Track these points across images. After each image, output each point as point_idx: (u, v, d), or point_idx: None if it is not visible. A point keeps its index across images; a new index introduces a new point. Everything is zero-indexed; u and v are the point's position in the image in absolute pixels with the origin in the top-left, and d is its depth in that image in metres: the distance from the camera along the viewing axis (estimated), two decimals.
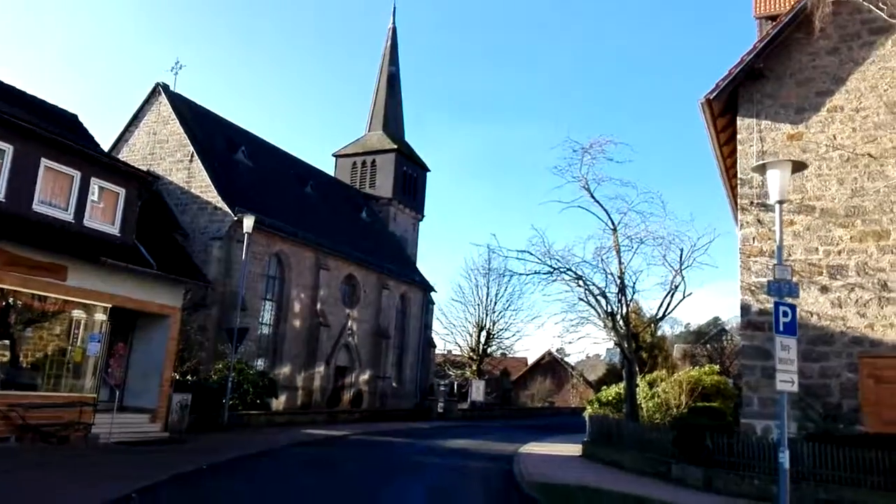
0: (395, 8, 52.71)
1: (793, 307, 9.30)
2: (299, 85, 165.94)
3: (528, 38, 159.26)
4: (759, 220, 15.50)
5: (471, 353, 47.58)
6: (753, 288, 15.26)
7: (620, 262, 17.98)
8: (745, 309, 15.29)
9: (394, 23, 52.66)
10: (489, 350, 48.09)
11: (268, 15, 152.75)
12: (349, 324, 35.73)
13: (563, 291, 19.04)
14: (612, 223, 18.05)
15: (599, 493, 11.57)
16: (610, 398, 19.69)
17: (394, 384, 39.74)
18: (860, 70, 15.24)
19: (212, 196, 29.17)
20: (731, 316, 70.29)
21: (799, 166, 9.81)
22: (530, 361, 62.21)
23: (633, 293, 18.41)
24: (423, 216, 50.14)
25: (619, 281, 17.90)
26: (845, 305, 14.44)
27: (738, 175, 15.89)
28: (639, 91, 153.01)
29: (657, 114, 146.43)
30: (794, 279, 14.92)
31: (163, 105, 31.31)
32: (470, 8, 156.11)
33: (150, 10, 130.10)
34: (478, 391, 38.94)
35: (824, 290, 14.64)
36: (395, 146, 47.17)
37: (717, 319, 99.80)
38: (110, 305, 16.08)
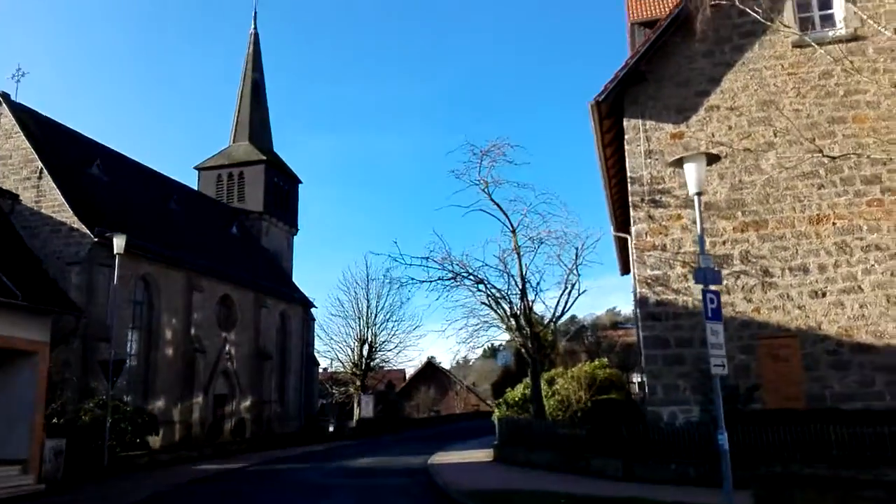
0: (255, 13, 50.60)
1: (717, 294, 9.69)
2: (155, 93, 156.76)
3: (404, 44, 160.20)
4: (650, 216, 16.22)
5: (353, 369, 46.60)
6: (649, 281, 15.93)
7: (521, 264, 18.21)
8: (643, 301, 15.94)
9: (255, 28, 50.61)
10: (372, 364, 47.36)
11: (117, 19, 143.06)
12: (227, 348, 33.75)
13: (465, 296, 18.95)
14: (511, 225, 18.27)
15: (535, 496, 11.49)
16: (516, 399, 19.86)
17: (277, 409, 38.01)
18: (732, 71, 16.40)
19: (66, 216, 26.46)
20: (598, 310, 74.22)
21: (713, 158, 10.25)
22: (409, 372, 62.11)
23: (537, 293, 18.72)
24: (297, 230, 48.55)
25: (520, 283, 18.10)
26: (733, 292, 15.40)
27: (629, 174, 16.52)
28: (519, 97, 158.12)
29: (537, 118, 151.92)
30: (685, 270, 15.89)
31: (4, 117, 28.04)
32: (333, 14, 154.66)
33: None
34: (367, 407, 38.13)
35: None
36: (265, 157, 45.30)
37: (573, 318, 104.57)
38: None
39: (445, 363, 65.71)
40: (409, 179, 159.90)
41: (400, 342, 47.45)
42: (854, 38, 15.79)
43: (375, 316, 46.87)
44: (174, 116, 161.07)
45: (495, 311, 18.66)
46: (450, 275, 18.16)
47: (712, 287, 9.49)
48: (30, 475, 15.39)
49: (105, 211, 28.32)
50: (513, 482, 13.40)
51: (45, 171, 27.10)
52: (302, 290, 44.57)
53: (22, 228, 26.10)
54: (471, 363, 57.10)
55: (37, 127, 29.14)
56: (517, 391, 20.34)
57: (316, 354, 44.78)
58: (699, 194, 9.92)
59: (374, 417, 38.93)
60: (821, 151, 13.33)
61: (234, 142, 47.58)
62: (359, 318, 46.77)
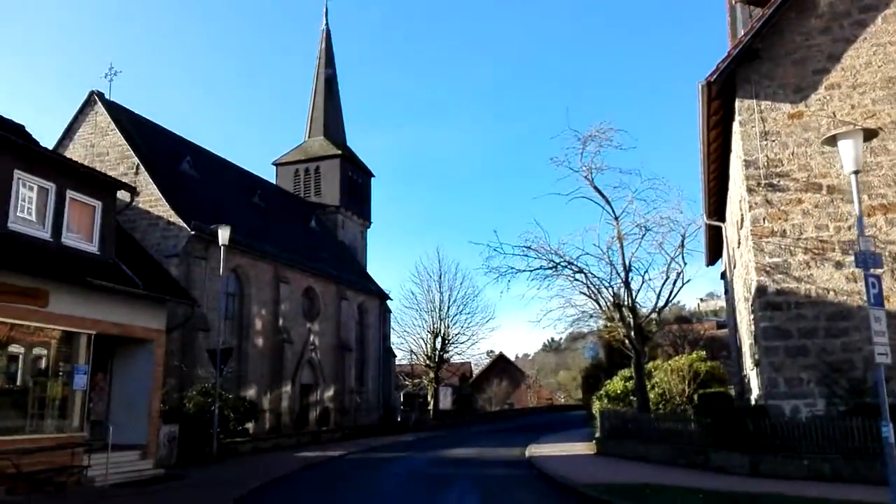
0: (326, 9, 51.37)
1: (879, 278, 9.14)
2: (231, 91, 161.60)
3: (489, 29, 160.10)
4: (767, 201, 15.54)
5: (427, 361, 46.78)
6: (768, 269, 15.28)
7: (623, 253, 17.76)
8: (761, 290, 15.28)
9: (327, 24, 51.30)
10: (446, 356, 47.45)
11: (195, 20, 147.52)
12: (311, 338, 34.30)
13: (563, 287, 18.60)
14: (614, 212, 17.83)
15: (669, 491, 11.11)
16: (618, 392, 19.44)
17: (357, 399, 38.47)
18: (854, 48, 15.55)
19: (163, 210, 27.28)
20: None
21: (871, 134, 9.66)
22: (475, 365, 61.99)
23: (644, 282, 18.25)
24: (370, 223, 49.01)
25: (624, 272, 17.66)
26: (860, 280, 14.60)
27: (743, 157, 15.86)
28: (608, 84, 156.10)
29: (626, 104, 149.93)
30: (807, 257, 15.17)
31: (100, 115, 29.11)
32: (403, 11, 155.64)
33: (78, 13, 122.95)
34: (445, 399, 38.20)
35: (838, 265, 14.81)
36: (339, 152, 45.88)
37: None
38: (94, 332, 14.49)
39: (514, 356, 65.69)
40: (482, 170, 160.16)
41: (473, 334, 47.52)
42: None
43: (448, 308, 47.08)
44: (251, 113, 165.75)
45: (596, 302, 18.28)
46: (550, 264, 17.86)
47: (874, 271, 8.92)
48: (148, 460, 15.90)
49: (198, 205, 29.10)
50: (632, 476, 13.06)
51: (141, 166, 27.98)
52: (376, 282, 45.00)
53: (121, 223, 27.14)
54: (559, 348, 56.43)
55: (130, 124, 30.14)
56: (617, 384, 19.91)
57: (392, 346, 45.12)
58: (856, 173, 9.34)
59: (452, 409, 38.89)
60: None
61: (309, 137, 48.34)
62: (431, 310, 47.08)
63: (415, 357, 47.23)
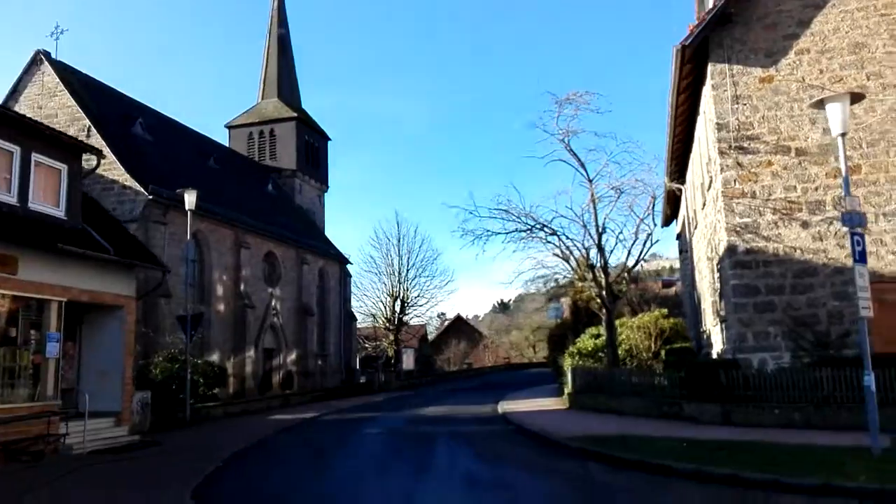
0: None
1: (863, 236, 9.55)
2: (179, 50, 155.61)
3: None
4: (738, 163, 15.95)
5: (387, 324, 46.97)
6: (738, 229, 15.76)
7: (596, 215, 18.08)
8: (731, 249, 15.77)
9: None
10: (405, 319, 47.72)
11: None
12: (273, 303, 33.94)
13: (537, 249, 18.85)
14: (588, 175, 18.07)
15: (649, 441, 11.52)
16: (588, 349, 19.94)
17: (320, 362, 38.44)
18: (822, 13, 15.95)
19: (118, 174, 26.35)
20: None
21: (857, 97, 9.98)
22: (434, 328, 62.61)
23: (618, 242, 18.63)
24: (327, 187, 48.36)
25: (597, 234, 18.00)
26: (825, 238, 15.26)
27: (715, 120, 16.18)
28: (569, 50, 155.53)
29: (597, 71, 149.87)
30: (776, 217, 15.71)
31: (47, 75, 27.74)
32: None
33: None
34: (408, 360, 38.52)
35: (805, 225, 15.39)
36: (295, 114, 44.88)
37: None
38: (65, 299, 14.01)
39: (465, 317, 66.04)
40: (443, 133, 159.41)
41: (432, 297, 47.88)
42: None
43: (407, 271, 47.25)
44: (200, 73, 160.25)
45: (568, 263, 18.62)
46: (525, 227, 18.07)
47: (858, 229, 9.32)
48: (123, 427, 15.65)
49: (153, 169, 28.21)
50: (610, 427, 13.49)
51: (92, 128, 26.88)
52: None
53: None
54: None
55: (79, 85, 28.84)
56: (587, 341, 20.41)
57: (352, 310, 45.09)
58: (843, 135, 9.68)
59: (414, 370, 39.29)
60: None
61: (262, 99, 47.05)
62: (391, 273, 47.17)
63: (375, 320, 47.39)
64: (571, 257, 18.61)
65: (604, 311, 18.16)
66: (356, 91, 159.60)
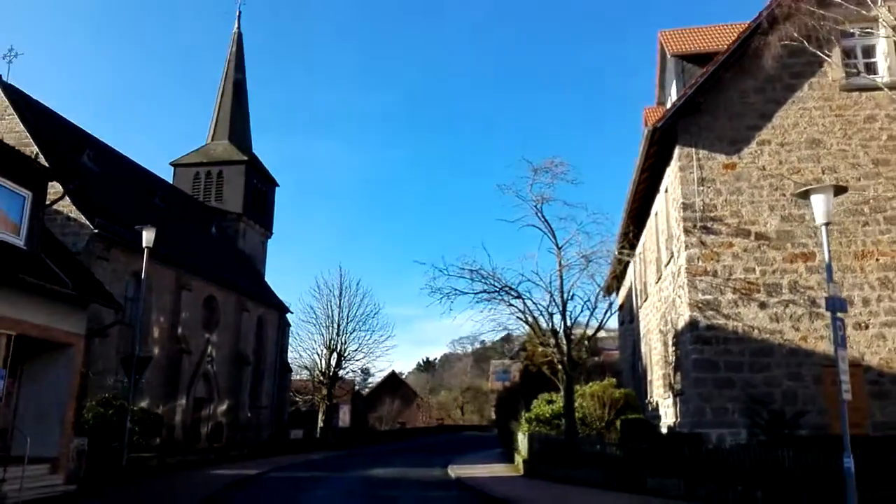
0: (240, 12, 49.63)
1: (842, 321, 10.03)
2: (126, 83, 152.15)
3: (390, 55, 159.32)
4: (702, 242, 16.62)
5: (321, 377, 45.70)
6: (700, 305, 16.29)
7: (562, 282, 18.38)
8: (693, 324, 16.24)
9: (239, 27, 49.72)
10: (340, 373, 46.56)
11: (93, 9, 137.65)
12: (209, 350, 32.64)
13: (498, 310, 18.92)
14: (556, 243, 18.44)
15: None
16: (546, 416, 19.90)
17: (250, 414, 36.91)
18: (783, 109, 17.08)
19: (63, 204, 25.05)
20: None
21: (840, 190, 10.62)
22: (359, 385, 61.24)
23: (581, 311, 18.90)
24: (271, 233, 47.53)
25: (562, 301, 18.25)
26: (781, 320, 15.96)
27: (681, 200, 16.87)
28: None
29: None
30: (736, 296, 16.36)
31: None
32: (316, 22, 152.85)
33: None
34: (344, 417, 37.45)
35: (763, 306, 16.07)
36: (246, 157, 44.32)
37: (508, 336, 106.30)
38: (14, 333, 13.08)
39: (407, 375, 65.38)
40: (387, 186, 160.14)
41: (370, 351, 46.97)
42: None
43: (347, 325, 46.35)
44: (147, 110, 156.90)
45: (532, 328, 18.75)
46: (492, 288, 18.18)
47: (839, 314, 9.79)
48: (59, 475, 14.49)
49: (100, 202, 27.12)
50: (580, 499, 13.41)
51: (40, 155, 25.67)
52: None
53: None
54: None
55: (29, 111, 27.76)
56: (543, 408, 20.38)
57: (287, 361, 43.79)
58: (827, 224, 10.25)
59: (349, 428, 38.22)
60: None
61: (212, 140, 46.35)
62: (329, 326, 46.15)
63: (309, 372, 46.03)
64: (536, 323, 18.76)
65: (563, 377, 18.26)
66: (310, 138, 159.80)
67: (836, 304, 9.75)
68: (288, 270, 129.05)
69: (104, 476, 16.37)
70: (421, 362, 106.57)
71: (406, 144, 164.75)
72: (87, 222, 24.61)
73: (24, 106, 27.63)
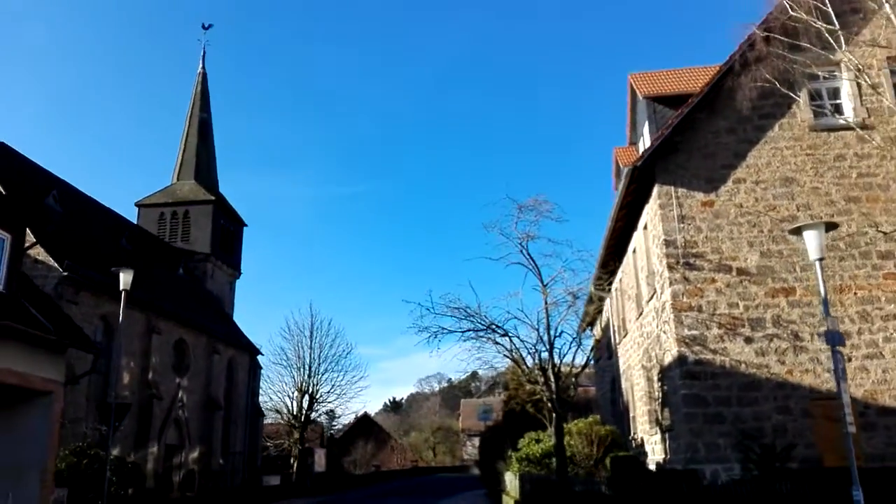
0: (204, 52, 49.59)
1: (842, 354, 10.26)
2: (83, 122, 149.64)
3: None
4: (685, 278, 16.90)
5: (293, 421, 44.70)
6: (687, 340, 16.49)
7: (548, 320, 18.47)
8: (682, 360, 16.40)
9: (203, 67, 49.69)
10: (312, 416, 45.67)
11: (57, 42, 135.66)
12: (180, 395, 31.73)
13: (482, 347, 18.92)
14: (542, 280, 18.59)
15: None
16: (537, 455, 19.76)
17: (221, 461, 35.81)
18: (756, 148, 17.63)
19: (28, 246, 24.43)
20: None
21: (831, 226, 10.96)
22: (329, 427, 60.06)
23: (570, 348, 18.98)
24: (240, 273, 46.87)
25: (549, 338, 18.34)
26: (767, 354, 16.23)
27: (663, 237, 17.18)
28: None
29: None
30: (721, 331, 16.63)
31: None
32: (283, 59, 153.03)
33: None
34: (320, 461, 36.60)
35: (748, 340, 16.33)
36: (213, 197, 43.90)
37: (475, 374, 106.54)
38: None
39: (353, 416, 64.39)
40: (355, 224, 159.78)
41: (342, 393, 46.26)
42: (863, 126, 17.36)
43: (318, 366, 45.64)
44: (107, 149, 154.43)
45: (519, 366, 18.75)
46: (479, 326, 18.18)
47: (838, 348, 10.03)
48: None
49: (67, 244, 26.44)
50: None
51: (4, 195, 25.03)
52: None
53: None
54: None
55: None
56: (533, 447, 20.26)
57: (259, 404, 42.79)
58: (821, 260, 10.55)
59: (326, 472, 37.35)
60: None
61: (178, 179, 45.86)
62: (300, 367, 45.36)
63: (280, 416, 45.05)
64: (523, 361, 18.77)
65: (550, 415, 18.25)
66: (277, 175, 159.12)
67: (835, 339, 9.99)
68: (257, 311, 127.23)
69: None
70: (388, 402, 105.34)
71: (371, 179, 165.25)
72: (56, 265, 23.95)
73: None
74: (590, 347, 19.93)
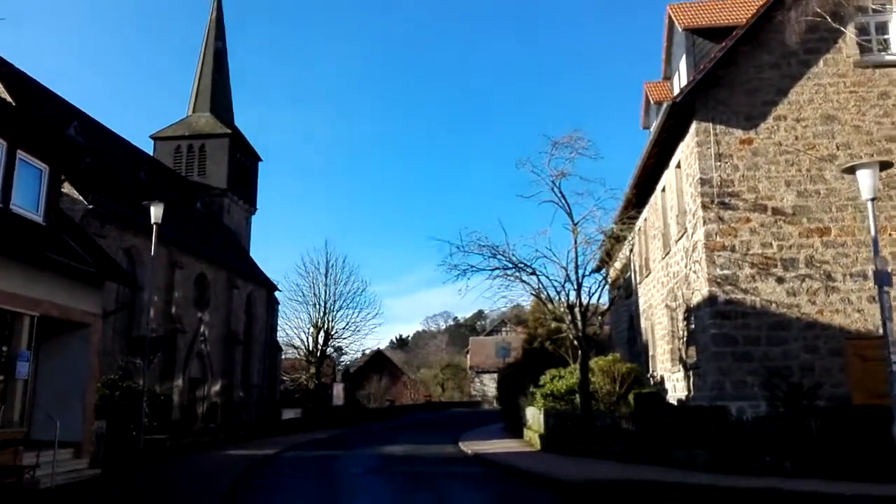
0: None
1: (888, 293, 10.20)
2: (101, 51, 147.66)
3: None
4: (720, 218, 16.75)
5: (308, 356, 45.42)
6: (719, 280, 16.47)
7: (577, 259, 18.42)
8: (712, 300, 16.41)
9: None
10: (328, 352, 46.39)
11: None
12: (202, 329, 32.17)
13: (507, 285, 18.94)
14: (572, 219, 18.46)
15: (657, 487, 11.60)
16: (561, 391, 20.04)
17: (242, 394, 36.58)
18: (798, 84, 17.19)
19: None
20: None
21: (886, 165, 10.73)
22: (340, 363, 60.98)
23: (605, 285, 18.99)
24: (255, 209, 46.81)
25: (577, 277, 18.33)
26: (798, 294, 16.23)
27: (699, 175, 16.96)
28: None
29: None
30: (753, 271, 16.57)
31: None
32: None
33: None
34: (338, 395, 37.35)
35: (780, 280, 16.31)
36: (229, 131, 43.42)
37: (481, 313, 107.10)
38: (37, 314, 12.67)
39: (360, 352, 65.64)
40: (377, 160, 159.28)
41: (357, 329, 46.85)
42: None
43: (334, 303, 46.06)
44: (122, 79, 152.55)
45: (545, 305, 18.80)
46: (508, 265, 18.17)
47: (886, 288, 9.96)
48: (83, 459, 14.20)
49: (90, 177, 26.31)
50: (611, 472, 13.49)
51: None
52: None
53: None
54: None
55: (14, 81, 26.70)
56: (559, 383, 20.52)
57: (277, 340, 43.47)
58: (873, 199, 10.37)
59: (344, 406, 38.19)
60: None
61: (193, 112, 45.24)
62: (315, 304, 45.80)
63: (296, 351, 45.78)
64: (550, 299, 18.81)
65: (572, 353, 18.42)
66: (296, 109, 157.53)
67: (884, 279, 9.92)
68: (270, 248, 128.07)
69: (123, 459, 16.10)
70: (394, 339, 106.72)
71: (398, 118, 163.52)
72: (81, 198, 23.89)
73: (9, 76, 26.59)
74: (607, 286, 19.90)
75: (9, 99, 24.94)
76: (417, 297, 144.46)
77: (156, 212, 17.72)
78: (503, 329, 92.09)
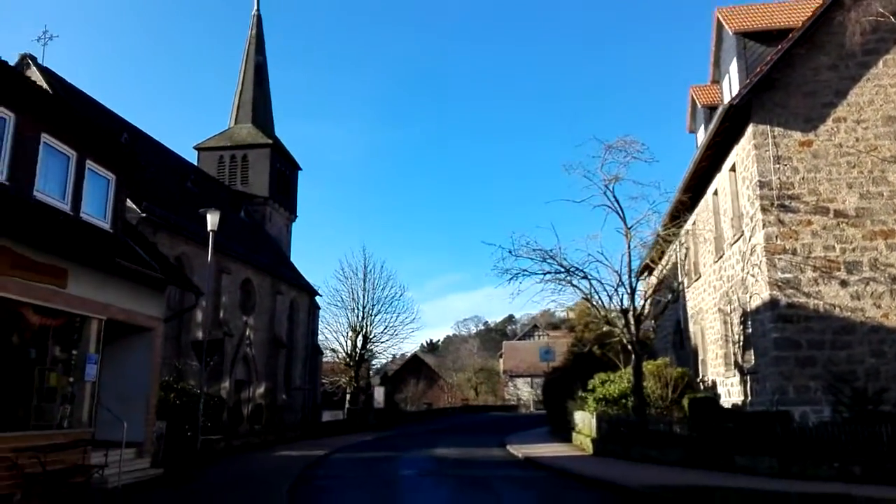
0: None
1: None
2: (143, 66, 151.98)
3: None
4: (780, 220, 16.46)
5: (347, 360, 45.71)
6: (780, 283, 16.16)
7: (630, 263, 18.28)
8: (774, 303, 16.11)
9: (258, 9, 49.11)
10: (366, 356, 46.60)
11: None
12: (247, 332, 32.60)
13: (559, 289, 18.85)
14: (625, 223, 18.31)
15: (728, 493, 11.42)
16: (613, 395, 19.86)
17: (284, 396, 36.98)
18: (858, 86, 16.86)
19: None
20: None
21: None
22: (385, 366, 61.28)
23: (655, 289, 18.78)
24: (296, 216, 47.37)
25: (629, 281, 18.17)
26: (863, 298, 15.85)
27: (758, 178, 16.69)
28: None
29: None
30: (816, 275, 16.23)
31: (33, 80, 26.19)
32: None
33: None
34: (379, 398, 37.51)
35: (844, 284, 15.96)
36: (270, 141, 44.02)
37: (511, 317, 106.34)
38: (105, 318, 12.96)
39: (392, 357, 65.89)
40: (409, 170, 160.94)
41: (395, 333, 46.95)
42: None
43: (372, 307, 46.25)
44: (167, 94, 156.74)
45: (597, 309, 18.65)
46: (560, 269, 18.08)
47: None
48: (145, 458, 14.50)
49: (142, 186, 26.85)
50: (672, 478, 13.34)
51: None
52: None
53: None
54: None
55: (65, 93, 27.38)
56: (612, 388, 20.34)
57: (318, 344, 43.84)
58: None
59: (385, 409, 38.33)
60: None
61: (235, 123, 45.98)
62: (354, 308, 46.05)
63: (335, 355, 46.09)
64: (602, 304, 18.66)
65: (633, 356, 18.23)
66: (336, 122, 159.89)
67: None
68: (309, 255, 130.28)
69: (181, 459, 16.36)
70: (425, 344, 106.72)
71: (417, 122, 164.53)
72: (135, 206, 24.37)
73: (61, 89, 27.28)
74: (651, 290, 19.64)
75: None
76: (444, 301, 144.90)
77: (212, 219, 18.01)
78: (536, 333, 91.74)
